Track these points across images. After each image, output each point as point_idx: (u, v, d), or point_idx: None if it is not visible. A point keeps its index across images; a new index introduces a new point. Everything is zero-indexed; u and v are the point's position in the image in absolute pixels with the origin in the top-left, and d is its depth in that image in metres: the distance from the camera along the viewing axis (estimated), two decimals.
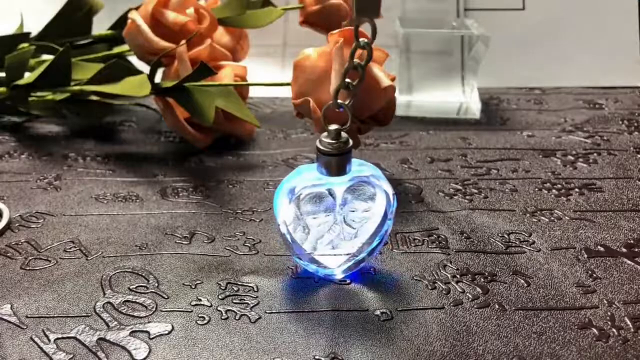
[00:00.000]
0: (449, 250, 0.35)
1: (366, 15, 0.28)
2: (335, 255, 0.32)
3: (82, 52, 0.53)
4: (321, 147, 0.30)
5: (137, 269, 0.34)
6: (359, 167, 0.32)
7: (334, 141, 0.30)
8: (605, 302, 0.31)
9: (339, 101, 0.31)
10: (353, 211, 0.32)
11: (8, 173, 0.44)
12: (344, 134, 0.30)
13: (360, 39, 0.29)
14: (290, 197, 0.31)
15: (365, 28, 0.30)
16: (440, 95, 0.57)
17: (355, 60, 0.30)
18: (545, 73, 0.63)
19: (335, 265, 0.33)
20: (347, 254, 0.32)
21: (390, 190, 0.32)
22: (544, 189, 0.42)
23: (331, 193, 0.31)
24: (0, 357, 0.28)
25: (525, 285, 0.33)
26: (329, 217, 0.32)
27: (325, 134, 0.30)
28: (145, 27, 0.46)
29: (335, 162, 0.30)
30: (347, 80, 0.30)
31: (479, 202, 0.41)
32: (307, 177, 0.31)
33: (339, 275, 0.33)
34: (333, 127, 0.30)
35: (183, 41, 0.45)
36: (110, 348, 0.28)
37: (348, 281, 0.33)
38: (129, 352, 0.28)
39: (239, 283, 0.33)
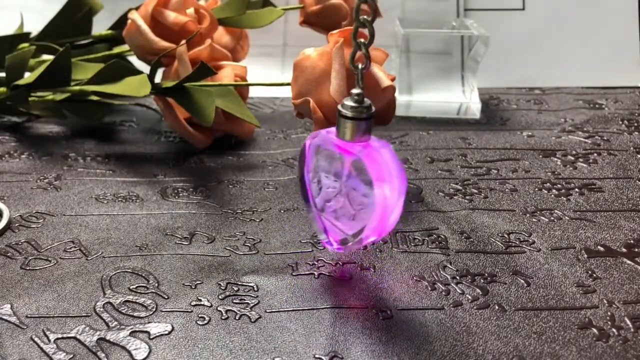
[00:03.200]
0: (448, 251, 0.35)
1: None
2: (336, 227, 0.32)
3: (82, 52, 0.54)
4: (340, 109, 0.30)
5: (137, 269, 0.34)
6: (379, 146, 0.30)
7: (355, 104, 0.30)
8: (605, 302, 0.31)
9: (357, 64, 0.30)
10: (354, 189, 0.31)
11: (8, 173, 0.44)
12: (367, 100, 0.30)
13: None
14: (313, 144, 0.31)
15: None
16: (440, 95, 0.57)
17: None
18: (545, 73, 0.63)
19: (337, 236, 0.32)
20: (345, 233, 0.32)
21: (397, 187, 0.30)
22: (544, 189, 0.42)
23: (341, 159, 0.31)
24: (0, 357, 0.28)
25: (525, 285, 0.33)
26: (337, 184, 0.31)
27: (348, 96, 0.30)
28: (145, 28, 0.46)
29: (349, 126, 0.30)
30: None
31: (479, 202, 0.41)
32: (330, 133, 0.31)
33: (336, 247, 0.33)
34: (355, 90, 0.30)
35: (183, 41, 0.45)
36: (110, 348, 0.28)
37: (348, 278, 0.33)
38: (129, 352, 0.28)
39: (239, 283, 0.33)
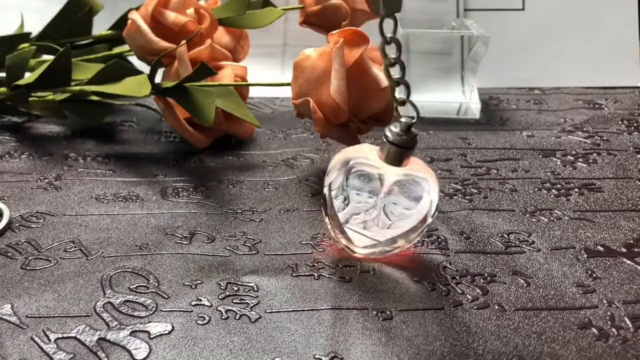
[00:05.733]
0: (448, 252, 0.35)
1: (391, 11, 0.29)
2: (362, 235, 0.33)
3: (82, 52, 0.54)
4: (388, 135, 0.31)
5: (138, 269, 0.34)
6: (417, 166, 0.32)
7: (402, 133, 0.31)
8: (605, 302, 0.31)
9: (397, 96, 0.32)
10: (395, 204, 0.32)
11: (8, 173, 0.44)
12: (414, 130, 0.31)
13: (387, 35, 0.31)
14: (344, 166, 0.32)
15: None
16: (440, 95, 0.57)
17: (391, 57, 0.31)
18: (545, 73, 0.63)
19: (360, 244, 0.34)
20: (374, 240, 0.33)
21: (436, 200, 0.32)
22: (543, 189, 0.42)
23: (381, 179, 0.32)
24: (0, 357, 0.28)
25: (525, 285, 0.33)
26: (371, 199, 0.33)
27: (396, 122, 0.31)
28: (145, 28, 0.46)
29: (395, 152, 0.31)
30: (392, 67, 0.31)
31: (479, 202, 0.41)
32: (367, 154, 0.32)
33: (359, 253, 0.34)
34: (404, 119, 0.31)
35: (183, 41, 0.45)
36: (110, 348, 0.28)
37: (347, 279, 0.33)
38: (129, 352, 0.28)
39: (239, 283, 0.33)
